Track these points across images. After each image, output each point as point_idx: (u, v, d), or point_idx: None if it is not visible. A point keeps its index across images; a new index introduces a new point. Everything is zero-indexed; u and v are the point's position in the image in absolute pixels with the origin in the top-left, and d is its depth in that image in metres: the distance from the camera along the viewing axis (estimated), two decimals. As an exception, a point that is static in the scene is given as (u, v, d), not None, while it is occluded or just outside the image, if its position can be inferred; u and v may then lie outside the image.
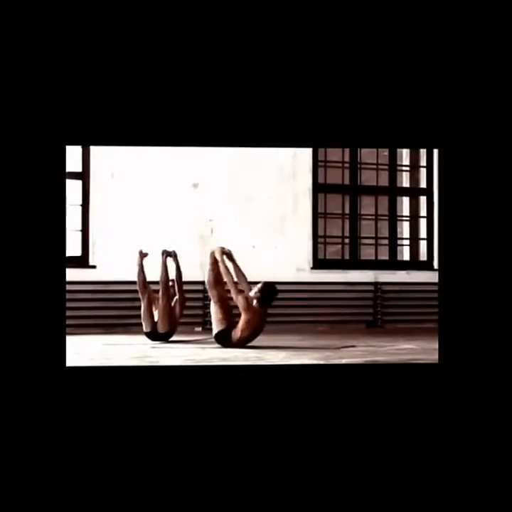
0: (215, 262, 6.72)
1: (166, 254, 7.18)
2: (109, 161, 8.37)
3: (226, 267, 6.68)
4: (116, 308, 8.12)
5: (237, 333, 6.45)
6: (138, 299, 7.21)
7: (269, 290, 6.49)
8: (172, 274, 7.19)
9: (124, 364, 5.27)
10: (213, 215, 8.69)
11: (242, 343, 6.44)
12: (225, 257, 6.70)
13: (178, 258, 7.20)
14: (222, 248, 6.79)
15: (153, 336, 7.00)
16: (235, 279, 6.63)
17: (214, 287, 6.69)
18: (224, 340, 6.49)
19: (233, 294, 6.57)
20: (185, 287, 7.20)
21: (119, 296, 8.06)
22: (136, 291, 7.19)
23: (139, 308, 7.17)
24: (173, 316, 7.10)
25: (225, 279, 6.63)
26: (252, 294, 6.48)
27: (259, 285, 6.48)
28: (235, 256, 6.79)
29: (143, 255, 7.18)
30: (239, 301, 6.50)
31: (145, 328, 7.06)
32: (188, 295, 7.21)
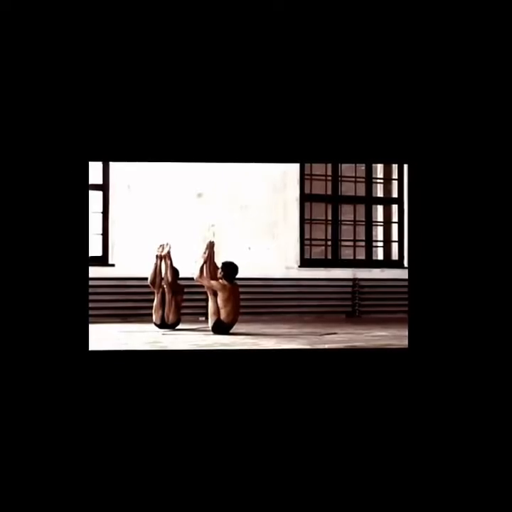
0: (207, 258, 6.76)
1: (164, 256, 7.13)
2: (126, 175, 8.37)
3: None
4: (132, 301, 8.09)
5: (223, 314, 6.49)
6: (149, 293, 7.21)
7: (230, 267, 6.61)
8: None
9: (138, 348, 5.27)
10: (215, 220, 8.69)
11: (231, 320, 6.51)
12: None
13: (171, 254, 7.15)
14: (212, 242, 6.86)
15: (162, 326, 7.00)
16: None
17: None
18: (220, 327, 6.50)
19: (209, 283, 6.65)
20: (188, 283, 7.15)
21: (134, 290, 8.04)
22: (148, 287, 7.19)
23: (151, 300, 7.17)
24: (179, 308, 7.09)
25: (205, 269, 6.70)
26: (219, 275, 6.64)
27: (220, 267, 6.65)
28: (230, 254, 6.87)
29: (162, 256, 7.13)
30: (214, 284, 6.58)
31: (155, 320, 7.04)
32: (191, 290, 7.17)
